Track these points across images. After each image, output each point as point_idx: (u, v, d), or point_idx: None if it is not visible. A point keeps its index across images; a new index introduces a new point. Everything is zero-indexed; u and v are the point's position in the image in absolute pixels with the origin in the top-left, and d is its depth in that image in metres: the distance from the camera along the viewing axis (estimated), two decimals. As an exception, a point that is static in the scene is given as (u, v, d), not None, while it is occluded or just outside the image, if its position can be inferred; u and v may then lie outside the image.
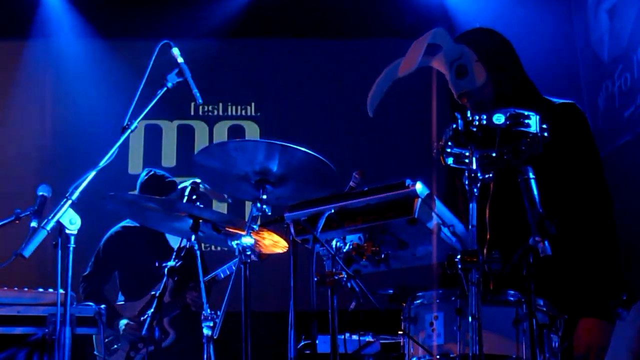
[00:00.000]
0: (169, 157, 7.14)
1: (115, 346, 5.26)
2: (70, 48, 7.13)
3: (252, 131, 7.31)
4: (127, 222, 5.51)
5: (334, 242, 2.90)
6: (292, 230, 2.96)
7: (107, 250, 5.52)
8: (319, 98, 7.31)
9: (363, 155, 6.73)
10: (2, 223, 3.69)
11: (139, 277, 5.39)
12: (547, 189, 2.74)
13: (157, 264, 3.96)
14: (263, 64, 7.41)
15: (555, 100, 3.42)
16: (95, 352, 5.17)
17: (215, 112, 7.38)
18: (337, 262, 2.83)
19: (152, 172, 5.51)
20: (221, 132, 7.29)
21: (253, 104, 7.40)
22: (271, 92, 7.39)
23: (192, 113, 7.34)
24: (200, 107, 7.29)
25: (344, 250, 2.89)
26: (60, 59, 7.12)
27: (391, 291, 3.20)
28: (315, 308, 2.89)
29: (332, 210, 2.85)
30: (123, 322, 5.28)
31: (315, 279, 2.79)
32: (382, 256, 2.89)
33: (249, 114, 7.40)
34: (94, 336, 5.07)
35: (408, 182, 2.78)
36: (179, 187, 4.39)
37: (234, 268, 4.55)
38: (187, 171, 6.85)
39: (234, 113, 7.40)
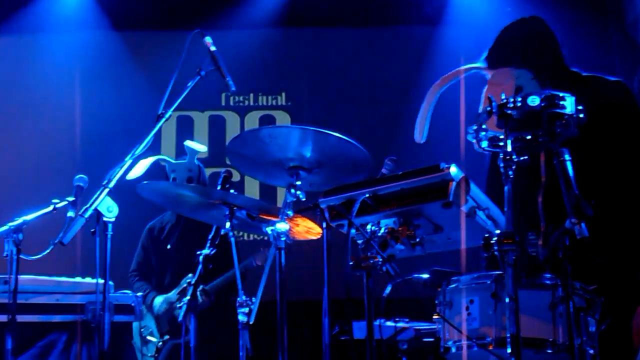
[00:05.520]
0: (201, 148, 7.17)
1: (149, 337, 5.32)
2: (98, 40, 7.19)
3: (283, 121, 7.32)
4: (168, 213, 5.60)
5: (368, 227, 2.91)
6: (327, 216, 2.98)
7: (144, 241, 5.61)
8: (350, 87, 7.30)
9: (393, 142, 6.70)
10: (40, 214, 3.74)
11: (172, 267, 5.46)
12: (588, 169, 2.72)
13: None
14: (293, 54, 7.41)
15: (603, 77, 3.42)
16: (133, 341, 5.24)
17: (246, 102, 7.40)
18: (372, 246, 2.84)
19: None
20: (252, 122, 7.31)
21: (284, 94, 7.42)
22: (302, 82, 7.39)
23: (223, 103, 7.37)
24: (232, 98, 7.32)
25: (379, 234, 2.89)
26: (89, 52, 7.17)
27: (426, 276, 3.18)
28: (350, 293, 2.90)
29: (367, 195, 2.85)
30: (159, 301, 5.34)
31: (351, 263, 2.80)
32: (417, 240, 2.89)
33: (279, 103, 7.41)
34: (133, 324, 5.14)
35: (442, 165, 2.78)
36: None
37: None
38: (219, 161, 6.90)
39: (264, 103, 7.42)
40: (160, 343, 5.29)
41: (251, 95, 7.40)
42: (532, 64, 3.40)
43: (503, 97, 2.68)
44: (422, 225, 2.91)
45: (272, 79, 7.41)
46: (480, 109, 3.29)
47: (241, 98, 7.39)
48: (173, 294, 5.34)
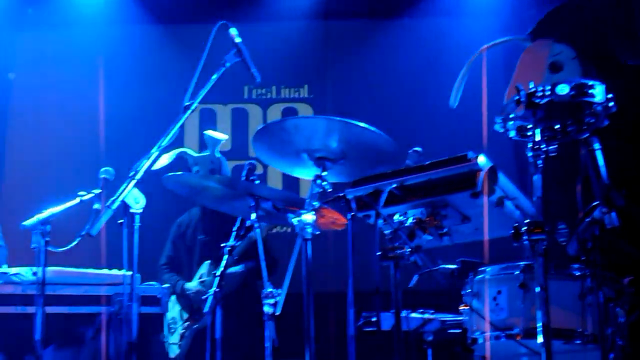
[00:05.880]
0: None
1: (173, 327, 5.35)
2: (122, 34, 7.21)
3: (305, 113, 7.31)
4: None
5: (396, 217, 2.91)
6: (354, 206, 2.97)
7: (173, 235, 5.65)
8: (372, 79, 7.28)
9: (416, 134, 6.67)
10: (67, 207, 3.76)
11: (200, 260, 5.50)
12: (620, 158, 2.69)
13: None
14: (315, 46, 7.39)
15: None
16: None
17: (269, 95, 7.40)
18: (400, 236, 2.84)
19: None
20: (275, 114, 7.30)
21: (306, 86, 7.41)
22: (324, 74, 7.38)
23: (246, 96, 7.38)
24: (254, 91, 7.32)
25: (406, 225, 2.89)
26: (113, 45, 7.20)
27: (454, 266, 3.17)
28: (377, 284, 2.90)
29: (394, 185, 2.85)
30: (193, 285, 5.37)
31: (378, 254, 2.80)
32: (445, 230, 2.89)
33: (302, 96, 7.41)
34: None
35: (470, 154, 2.76)
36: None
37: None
38: (242, 154, 6.90)
39: (287, 95, 7.41)
40: (183, 330, 5.33)
41: (273, 88, 7.40)
42: (577, 43, 3.33)
43: (532, 86, 2.66)
44: (450, 216, 2.89)
45: (295, 71, 7.39)
46: (511, 84, 3.27)
47: (263, 91, 7.38)
48: (196, 281, 5.39)
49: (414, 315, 4.17)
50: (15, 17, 7.09)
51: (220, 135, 5.45)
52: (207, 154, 5.41)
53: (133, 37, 7.19)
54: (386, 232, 2.92)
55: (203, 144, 6.46)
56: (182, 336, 5.36)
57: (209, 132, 5.45)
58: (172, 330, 5.39)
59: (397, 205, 2.89)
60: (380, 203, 2.84)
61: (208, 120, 7.25)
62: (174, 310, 5.39)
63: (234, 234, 3.96)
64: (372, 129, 3.15)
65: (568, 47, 3.36)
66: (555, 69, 3.28)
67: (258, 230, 3.73)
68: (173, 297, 5.34)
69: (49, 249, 3.55)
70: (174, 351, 5.32)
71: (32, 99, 7.18)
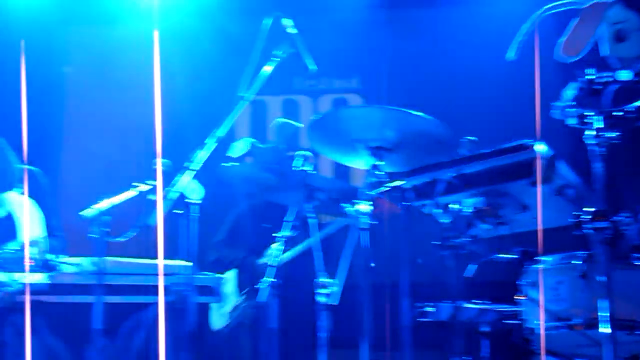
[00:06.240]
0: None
1: (228, 298, 5.35)
2: (178, 27, 7.25)
3: (356, 104, 7.28)
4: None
5: (453, 206, 2.88)
6: (410, 196, 2.96)
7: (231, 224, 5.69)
8: (422, 68, 7.22)
9: (469, 123, 6.61)
10: (125, 198, 3.81)
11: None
12: None
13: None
14: (365, 36, 7.36)
15: None
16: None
17: (319, 86, 7.40)
18: (457, 226, 2.81)
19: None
20: (325, 105, 7.30)
21: (357, 77, 7.39)
22: (374, 64, 7.34)
23: (296, 88, 7.38)
24: (305, 82, 7.32)
25: (464, 214, 2.86)
26: (168, 37, 7.25)
27: (512, 256, 3.14)
28: (434, 274, 2.88)
29: (451, 175, 2.82)
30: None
31: (437, 243, 2.78)
32: (502, 219, 2.85)
33: (352, 86, 7.39)
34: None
35: (529, 142, 2.73)
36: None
37: None
38: (293, 145, 6.91)
39: (337, 86, 7.40)
40: (238, 303, 5.34)
41: (324, 79, 7.39)
42: None
43: (592, 72, 2.61)
44: (508, 204, 2.86)
45: (345, 62, 7.37)
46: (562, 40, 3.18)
47: (314, 82, 7.38)
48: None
49: (469, 305, 4.14)
50: (68, 12, 7.19)
51: (295, 123, 5.39)
52: (270, 145, 5.44)
53: (187, 29, 7.22)
54: (443, 221, 2.90)
55: (253, 135, 6.50)
56: (236, 307, 5.36)
57: (280, 121, 5.41)
58: (226, 301, 5.40)
59: (454, 194, 2.86)
60: (437, 192, 2.82)
61: (259, 111, 7.28)
62: (231, 282, 5.40)
63: (289, 224, 3.99)
64: (428, 117, 3.13)
65: (636, 15, 3.24)
66: (619, 38, 3.18)
67: (314, 221, 3.75)
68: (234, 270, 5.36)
69: (108, 239, 3.62)
70: (221, 321, 5.34)
71: (86, 92, 7.30)
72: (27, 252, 3.78)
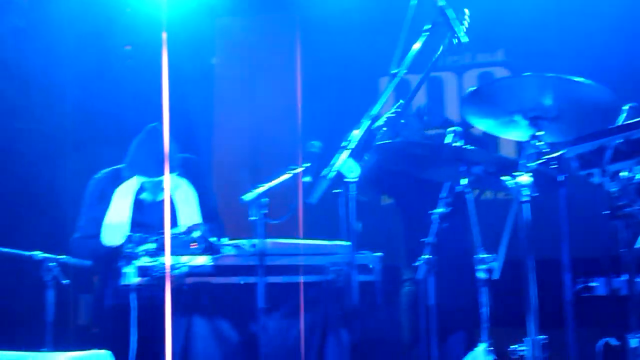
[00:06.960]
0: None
1: None
2: (318, 12, 7.31)
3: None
4: None
5: (622, 174, 2.76)
6: (574, 165, 2.85)
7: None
8: (568, 38, 6.92)
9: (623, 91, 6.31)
10: (281, 180, 3.91)
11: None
12: None
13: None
14: (509, 7, 7.15)
15: None
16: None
17: (464, 61, 7.26)
18: (628, 194, 2.69)
19: None
20: (471, 81, 7.15)
21: (502, 50, 7.20)
22: (520, 36, 7.12)
23: (439, 64, 7.26)
24: (448, 58, 7.20)
25: (634, 181, 2.73)
26: (311, 22, 7.33)
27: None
28: (601, 246, 2.77)
29: (619, 141, 2.70)
30: None
31: (607, 213, 2.67)
32: (678, 186, 2.70)
33: (498, 59, 7.21)
34: None
35: None
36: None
37: None
38: (438, 122, 6.83)
39: (482, 60, 7.23)
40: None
41: (468, 54, 7.25)
42: None
43: None
44: (686, 170, 2.71)
45: (488, 35, 7.19)
46: None
47: (458, 57, 7.26)
48: None
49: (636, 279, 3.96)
50: (213, 3, 7.39)
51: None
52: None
53: (330, 16, 7.22)
54: (612, 189, 2.78)
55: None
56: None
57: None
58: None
59: (623, 161, 2.73)
60: (604, 160, 2.70)
61: (402, 89, 7.23)
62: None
63: (442, 201, 3.95)
64: (589, 82, 3.01)
65: None
66: None
67: (470, 196, 3.69)
68: None
69: (267, 221, 3.71)
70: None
71: (233, 82, 7.51)
72: (192, 235, 3.92)
